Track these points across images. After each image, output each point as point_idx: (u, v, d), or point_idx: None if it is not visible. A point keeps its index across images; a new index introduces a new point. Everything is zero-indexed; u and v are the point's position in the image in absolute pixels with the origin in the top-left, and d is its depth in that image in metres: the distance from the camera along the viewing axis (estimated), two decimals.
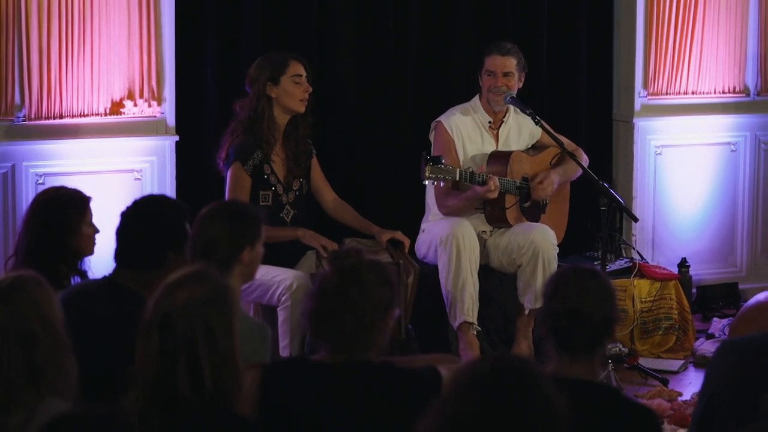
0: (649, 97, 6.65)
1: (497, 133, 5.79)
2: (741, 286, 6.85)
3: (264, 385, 3.08)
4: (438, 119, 5.74)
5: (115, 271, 3.52)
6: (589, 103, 6.68)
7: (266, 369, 3.15)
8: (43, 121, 5.47)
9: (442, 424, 2.28)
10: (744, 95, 6.87)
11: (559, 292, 2.98)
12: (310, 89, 5.26)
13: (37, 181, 5.47)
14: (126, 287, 3.44)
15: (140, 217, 3.52)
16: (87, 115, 5.55)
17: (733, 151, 6.89)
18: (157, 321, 2.66)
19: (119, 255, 3.50)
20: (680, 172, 6.74)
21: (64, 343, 2.79)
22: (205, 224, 3.44)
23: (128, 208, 3.55)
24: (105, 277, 3.55)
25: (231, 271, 3.42)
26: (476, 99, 5.78)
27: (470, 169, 5.41)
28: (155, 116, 5.67)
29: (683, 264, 6.38)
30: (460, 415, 2.26)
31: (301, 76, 5.24)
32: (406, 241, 5.31)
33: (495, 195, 5.36)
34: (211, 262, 3.37)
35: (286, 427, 3.06)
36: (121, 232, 3.51)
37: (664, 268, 6.20)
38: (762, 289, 6.25)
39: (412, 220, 5.84)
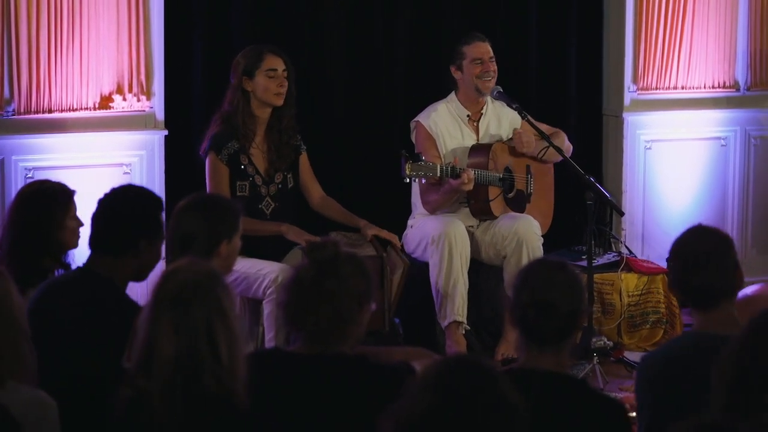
0: (639, 91, 6.66)
1: (477, 126, 5.81)
2: None
3: None
4: (416, 119, 5.76)
5: (90, 258, 3.54)
6: (578, 97, 6.69)
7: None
8: (32, 115, 5.49)
9: (399, 422, 2.31)
10: (734, 90, 6.87)
11: (527, 284, 2.99)
12: (286, 84, 5.25)
13: (27, 175, 5.50)
14: (99, 274, 3.48)
15: (115, 203, 3.55)
16: (76, 110, 5.57)
17: (723, 146, 6.90)
18: (170, 299, 2.68)
19: (93, 239, 3.53)
20: (670, 166, 6.75)
21: (21, 329, 2.80)
22: (182, 217, 3.46)
23: (105, 195, 3.59)
24: (79, 268, 3.58)
25: None
26: (452, 94, 5.80)
27: (450, 164, 5.43)
28: (144, 110, 5.69)
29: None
30: (416, 414, 2.29)
31: (275, 70, 5.25)
32: (394, 239, 5.32)
33: (470, 187, 5.38)
34: (189, 255, 3.41)
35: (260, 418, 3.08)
36: (96, 217, 3.54)
37: (652, 262, 6.21)
38: (753, 284, 6.26)
39: (400, 217, 5.86)
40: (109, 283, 3.46)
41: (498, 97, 5.71)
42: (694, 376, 3.12)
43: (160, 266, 3.42)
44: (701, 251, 3.30)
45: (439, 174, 5.33)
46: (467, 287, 5.45)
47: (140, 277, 3.56)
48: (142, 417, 2.70)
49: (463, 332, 5.46)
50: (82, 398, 3.30)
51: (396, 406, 2.34)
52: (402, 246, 5.71)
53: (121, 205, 3.55)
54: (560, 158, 5.74)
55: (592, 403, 2.98)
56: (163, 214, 3.59)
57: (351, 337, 3.12)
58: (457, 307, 5.42)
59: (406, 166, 5.18)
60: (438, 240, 5.44)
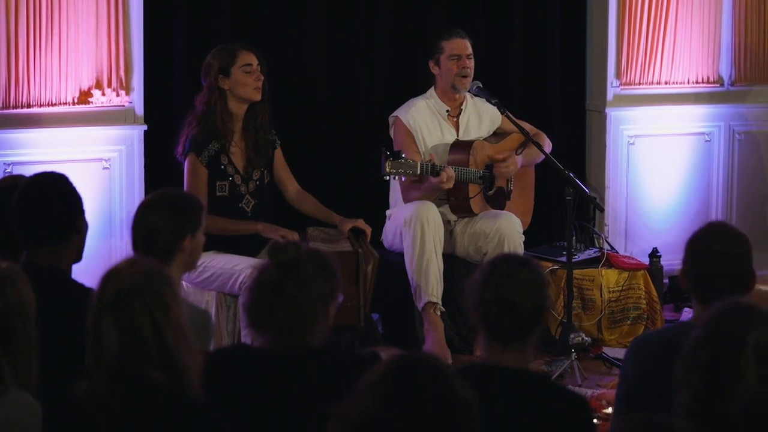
0: (622, 87, 6.64)
1: (457, 122, 5.80)
2: None
3: (207, 372, 3.09)
4: (395, 114, 5.75)
5: (27, 254, 3.52)
6: (561, 92, 6.68)
7: (209, 356, 3.17)
8: (11, 110, 5.48)
9: (346, 422, 2.30)
10: (718, 85, 6.86)
11: (489, 281, 2.98)
12: (262, 77, 5.26)
13: (5, 170, 5.49)
14: (42, 265, 3.46)
15: (39, 196, 3.53)
16: (55, 105, 5.56)
17: (707, 141, 6.88)
18: (110, 302, 2.70)
19: (27, 237, 3.50)
20: (654, 162, 6.74)
21: (35, 337, 2.85)
22: (145, 214, 3.45)
23: (20, 195, 3.54)
24: (22, 261, 3.55)
25: (173, 261, 3.43)
26: (431, 90, 5.79)
27: (431, 162, 5.42)
28: (123, 105, 5.68)
29: (654, 254, 6.37)
30: (365, 413, 2.28)
31: (251, 65, 5.25)
32: (368, 229, 5.32)
33: (450, 185, 5.37)
34: (153, 252, 3.41)
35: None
36: (22, 215, 3.50)
37: (633, 258, 6.20)
38: None
39: (379, 212, 5.86)
40: (56, 270, 3.46)
41: (477, 92, 5.70)
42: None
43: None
44: (721, 248, 3.31)
45: (419, 172, 5.32)
46: (441, 269, 5.44)
47: (78, 257, 3.58)
48: (94, 411, 2.71)
49: (439, 314, 5.44)
50: (45, 391, 3.30)
51: (344, 405, 2.34)
52: (381, 240, 5.73)
53: (46, 194, 3.54)
54: (542, 158, 5.73)
55: (556, 399, 2.96)
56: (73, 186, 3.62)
57: (316, 332, 3.11)
58: (431, 288, 5.40)
59: (386, 164, 5.17)
60: (410, 222, 5.42)
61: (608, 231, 6.60)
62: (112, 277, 2.75)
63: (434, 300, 5.43)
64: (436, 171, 5.36)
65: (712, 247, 3.30)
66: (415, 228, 5.41)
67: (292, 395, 3.03)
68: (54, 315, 3.38)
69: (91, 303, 2.75)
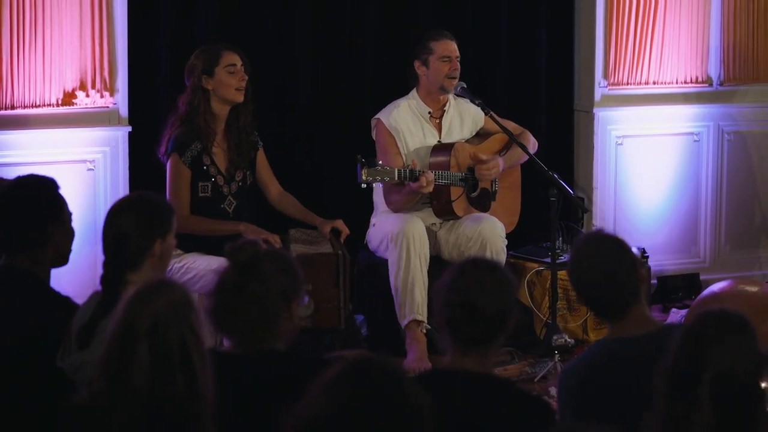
0: (610, 87, 6.62)
1: (440, 123, 5.79)
2: (704, 277, 6.82)
3: None
4: (377, 116, 5.73)
5: (6, 259, 3.53)
6: (549, 93, 6.66)
7: None
8: None
9: (300, 422, 2.29)
10: (707, 85, 6.83)
11: (455, 284, 2.98)
12: (246, 78, 5.27)
13: None
14: (20, 270, 3.47)
15: (9, 200, 3.54)
16: (39, 106, 5.56)
17: (696, 141, 6.86)
18: (146, 330, 2.61)
19: (4, 240, 3.52)
20: (642, 162, 6.72)
21: None
22: (116, 217, 3.44)
23: None
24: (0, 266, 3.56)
25: (143, 264, 3.42)
26: (413, 92, 5.77)
27: (409, 167, 5.40)
28: (108, 107, 5.68)
29: (642, 255, 6.35)
30: (317, 414, 2.27)
31: (235, 65, 5.25)
32: (345, 230, 5.31)
33: (430, 189, 5.35)
34: (123, 256, 3.41)
35: None
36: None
37: None
38: (724, 279, 6.24)
39: (364, 215, 5.85)
40: (32, 276, 3.46)
41: (461, 93, 5.69)
42: (611, 384, 3.10)
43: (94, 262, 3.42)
44: (593, 266, 3.23)
45: (397, 178, 5.31)
46: (426, 286, 5.42)
47: (61, 261, 3.58)
48: (96, 427, 2.66)
49: (424, 331, 5.42)
50: (14, 397, 3.30)
51: (296, 406, 2.33)
52: (366, 243, 5.73)
53: (18, 199, 3.55)
54: (525, 158, 5.71)
55: (518, 403, 2.96)
56: (59, 191, 3.61)
57: (281, 332, 3.10)
58: (416, 306, 5.39)
59: (363, 172, 5.16)
60: (396, 238, 5.42)
61: None
62: (147, 301, 2.65)
63: (419, 318, 5.40)
64: (414, 176, 5.35)
65: (584, 266, 3.23)
66: (402, 245, 5.40)
67: (257, 399, 3.02)
68: (25, 319, 3.39)
69: (115, 328, 2.64)
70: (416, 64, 5.71)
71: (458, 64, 5.68)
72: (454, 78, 5.66)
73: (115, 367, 2.62)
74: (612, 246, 3.27)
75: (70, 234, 3.63)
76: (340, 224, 5.31)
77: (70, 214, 3.65)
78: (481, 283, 2.96)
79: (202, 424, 2.68)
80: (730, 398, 2.44)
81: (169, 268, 5.17)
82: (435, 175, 5.39)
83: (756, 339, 2.55)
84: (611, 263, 3.22)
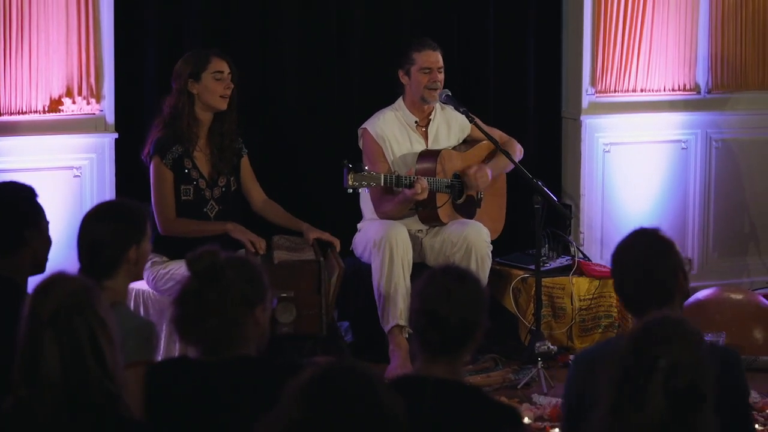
0: (597, 94, 6.63)
1: (426, 132, 5.80)
2: (692, 284, 6.79)
3: (148, 384, 3.10)
4: (363, 126, 5.75)
5: None
6: (537, 100, 6.66)
7: (150, 369, 3.17)
8: None
9: (272, 428, 2.30)
10: (695, 93, 6.84)
11: (423, 291, 2.98)
12: (232, 86, 5.28)
13: None
14: (2, 276, 3.48)
15: None
16: (25, 113, 5.58)
17: (684, 149, 6.87)
18: (49, 319, 2.67)
19: None
20: (629, 170, 6.73)
21: None
22: (89, 225, 3.45)
23: None
24: None
25: (118, 271, 3.43)
26: (399, 101, 5.79)
27: (396, 173, 5.42)
28: (94, 113, 5.70)
29: None
30: (288, 420, 2.28)
31: (222, 72, 5.27)
32: (335, 242, 5.31)
33: (424, 196, 5.38)
34: (98, 263, 3.42)
35: (171, 426, 3.08)
36: None
37: (605, 266, 6.18)
38: (712, 287, 6.25)
39: (350, 221, 5.87)
40: (9, 281, 3.48)
41: (446, 101, 5.70)
42: None
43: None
44: (636, 259, 3.23)
45: (382, 183, 5.32)
46: (409, 292, 5.42)
47: (39, 268, 3.59)
48: (24, 428, 2.70)
49: (407, 336, 5.44)
50: None
51: (268, 415, 2.34)
52: (351, 249, 5.74)
53: None
54: (511, 166, 5.72)
55: (486, 410, 2.95)
56: (37, 199, 3.62)
57: (247, 338, 3.10)
58: (399, 311, 5.41)
59: (349, 177, 5.17)
60: (379, 244, 5.43)
61: (584, 239, 6.59)
62: (47, 292, 2.71)
63: (402, 323, 5.41)
64: (401, 182, 5.36)
65: (625, 257, 3.24)
66: (384, 251, 5.41)
67: (227, 405, 3.02)
68: (1, 325, 3.39)
69: (22, 326, 2.70)
70: (400, 73, 5.74)
71: (439, 75, 5.68)
72: (434, 89, 5.67)
73: (28, 363, 2.67)
74: (658, 246, 3.23)
75: (47, 242, 3.64)
76: (327, 236, 5.29)
77: (47, 223, 3.66)
78: (448, 291, 2.95)
79: (122, 404, 2.71)
80: (681, 391, 2.47)
81: (154, 275, 5.21)
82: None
83: (703, 342, 2.58)
84: (652, 262, 3.20)
